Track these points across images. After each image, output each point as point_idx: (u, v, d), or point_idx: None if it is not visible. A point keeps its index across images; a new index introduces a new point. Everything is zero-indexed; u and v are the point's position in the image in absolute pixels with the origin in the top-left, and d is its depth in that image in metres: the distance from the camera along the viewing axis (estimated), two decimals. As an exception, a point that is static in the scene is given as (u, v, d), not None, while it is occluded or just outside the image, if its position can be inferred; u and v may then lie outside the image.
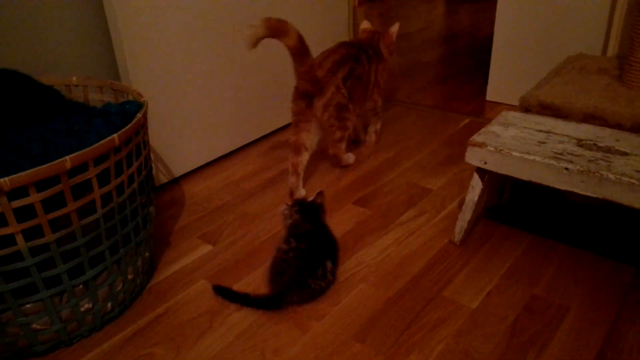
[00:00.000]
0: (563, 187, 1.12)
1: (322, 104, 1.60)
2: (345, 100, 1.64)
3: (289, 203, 1.27)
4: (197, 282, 1.26)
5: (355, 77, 1.67)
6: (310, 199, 1.27)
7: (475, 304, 1.15)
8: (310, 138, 1.62)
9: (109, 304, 1.12)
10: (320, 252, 1.18)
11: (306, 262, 1.16)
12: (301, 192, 1.61)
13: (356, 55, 1.70)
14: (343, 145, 1.74)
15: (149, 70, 1.53)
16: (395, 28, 1.83)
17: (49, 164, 0.89)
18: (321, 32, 2.13)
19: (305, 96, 1.59)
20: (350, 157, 1.81)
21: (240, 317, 1.14)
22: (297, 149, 1.61)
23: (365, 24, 1.90)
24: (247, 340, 1.08)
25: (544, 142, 1.20)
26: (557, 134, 1.25)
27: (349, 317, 1.13)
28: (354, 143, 1.97)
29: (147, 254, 1.24)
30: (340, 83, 1.62)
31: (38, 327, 1.02)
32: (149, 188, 1.22)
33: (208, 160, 1.84)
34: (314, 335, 1.09)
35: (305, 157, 1.61)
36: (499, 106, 2.23)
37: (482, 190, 1.29)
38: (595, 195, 1.08)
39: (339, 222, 1.47)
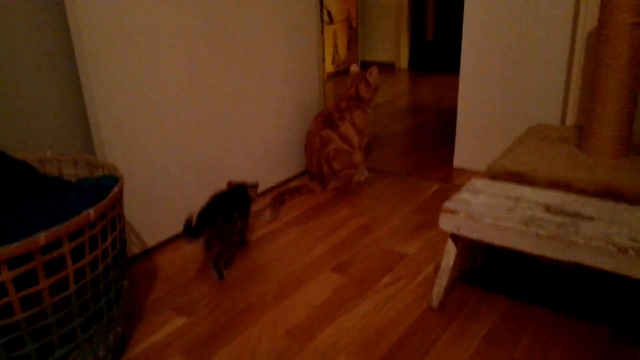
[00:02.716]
0: (535, 252, 1.15)
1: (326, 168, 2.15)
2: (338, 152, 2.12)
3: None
4: (172, 358, 1.22)
5: (335, 150, 2.11)
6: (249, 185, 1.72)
7: (457, 373, 1.14)
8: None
9: (79, 385, 1.07)
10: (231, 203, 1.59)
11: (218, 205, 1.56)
12: None
13: (326, 120, 2.13)
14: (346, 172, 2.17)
15: (124, 143, 1.54)
16: (371, 69, 2.16)
17: (22, 241, 0.87)
18: (295, 100, 2.21)
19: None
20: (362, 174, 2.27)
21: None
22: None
23: (353, 67, 2.25)
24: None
25: (513, 209, 1.25)
26: (525, 200, 1.30)
27: (330, 390, 1.10)
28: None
29: (119, 329, 1.20)
30: (323, 157, 2.12)
31: (1, 413, 0.96)
32: (122, 261, 1.20)
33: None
34: (295, 412, 1.05)
35: None
36: (465, 173, 2.31)
37: (457, 256, 1.31)
38: (566, 259, 1.12)
39: (316, 290, 1.46)
